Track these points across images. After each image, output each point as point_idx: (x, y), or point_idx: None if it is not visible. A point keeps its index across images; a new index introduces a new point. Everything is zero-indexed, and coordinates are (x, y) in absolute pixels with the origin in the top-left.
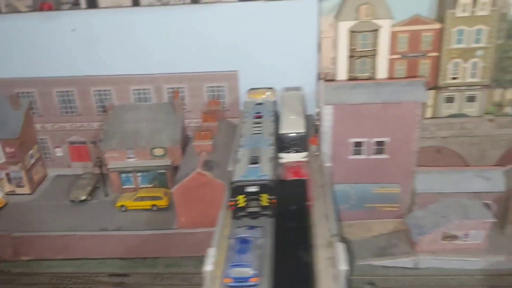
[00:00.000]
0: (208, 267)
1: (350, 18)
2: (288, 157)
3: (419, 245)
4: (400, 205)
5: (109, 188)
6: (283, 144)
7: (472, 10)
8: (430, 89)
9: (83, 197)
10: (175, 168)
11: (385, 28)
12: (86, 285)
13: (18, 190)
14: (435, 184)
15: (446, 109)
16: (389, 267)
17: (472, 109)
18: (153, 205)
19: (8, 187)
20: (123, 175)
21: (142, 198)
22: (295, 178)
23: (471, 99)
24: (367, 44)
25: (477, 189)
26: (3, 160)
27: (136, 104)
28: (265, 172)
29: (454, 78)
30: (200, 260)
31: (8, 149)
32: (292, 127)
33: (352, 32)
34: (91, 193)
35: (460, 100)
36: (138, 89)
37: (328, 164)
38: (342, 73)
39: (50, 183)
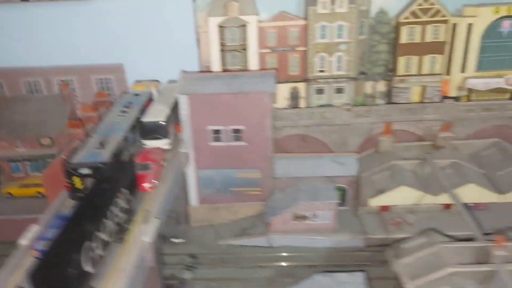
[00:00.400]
0: (22, 241)
1: (219, 14)
2: (150, 144)
3: (272, 225)
4: (262, 189)
5: (1, 176)
6: (144, 131)
7: (332, 7)
8: (301, 81)
9: None
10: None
11: (252, 23)
12: None
13: None
14: (293, 169)
15: (317, 100)
16: (246, 246)
17: (341, 100)
18: (38, 192)
19: None
20: (13, 164)
21: (26, 186)
22: (128, 161)
23: (339, 90)
24: (235, 39)
25: (331, 173)
26: None
27: (27, 96)
28: (103, 156)
29: (321, 71)
30: None
31: None
32: (154, 115)
33: (221, 27)
34: None
35: (329, 92)
36: (29, 81)
37: (183, 150)
38: (216, 66)
39: None
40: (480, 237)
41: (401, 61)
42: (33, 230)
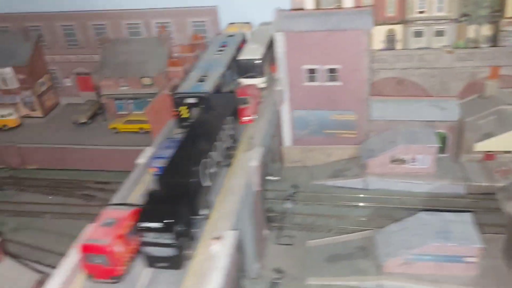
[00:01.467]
0: (140, 160)
1: None
2: (246, 82)
3: (369, 167)
4: (357, 132)
5: (107, 113)
6: (240, 69)
7: None
8: (398, 23)
9: (84, 120)
10: None
11: None
12: (76, 189)
13: (32, 114)
14: (390, 112)
15: (415, 44)
16: (341, 187)
17: (441, 44)
18: (141, 128)
19: (23, 111)
20: (117, 101)
21: (131, 122)
22: (230, 93)
23: (439, 33)
24: None
25: (430, 118)
26: (16, 85)
27: (128, 38)
28: (206, 87)
29: (421, 12)
30: None
31: (19, 76)
32: (250, 54)
33: None
34: (92, 117)
35: (428, 35)
36: (130, 24)
37: (279, 88)
38: (309, 5)
39: (61, 110)
40: None
41: (511, 1)
42: (149, 151)
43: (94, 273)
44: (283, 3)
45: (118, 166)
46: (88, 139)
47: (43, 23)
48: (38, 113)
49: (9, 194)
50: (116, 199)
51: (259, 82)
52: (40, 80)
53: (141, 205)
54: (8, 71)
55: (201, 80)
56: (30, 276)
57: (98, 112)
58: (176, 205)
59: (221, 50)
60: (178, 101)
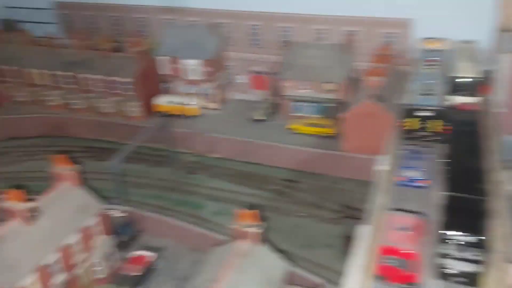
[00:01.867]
0: (382, 167)
1: None
2: (459, 100)
3: None
4: None
5: (281, 113)
6: (454, 86)
7: None
8: None
9: (261, 117)
10: (341, 103)
11: None
12: (263, 183)
13: (209, 105)
14: None
15: None
16: None
17: None
18: (320, 132)
19: (201, 101)
20: (295, 103)
21: (311, 124)
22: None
23: None
24: None
25: None
26: (200, 77)
27: (313, 43)
28: (437, 100)
29: None
30: (359, 183)
31: (204, 68)
32: (467, 72)
33: None
34: (268, 115)
35: None
36: (316, 29)
37: (500, 110)
38: None
39: (233, 104)
40: None
41: None
42: (385, 160)
43: (388, 275)
44: (483, 22)
45: (299, 166)
46: (267, 135)
47: (232, 21)
48: (215, 105)
49: (201, 179)
50: (371, 204)
51: (472, 101)
52: (220, 74)
53: (421, 213)
54: (194, 62)
55: (425, 94)
56: (279, 265)
57: (273, 111)
58: (479, 221)
59: (431, 65)
60: (406, 112)
